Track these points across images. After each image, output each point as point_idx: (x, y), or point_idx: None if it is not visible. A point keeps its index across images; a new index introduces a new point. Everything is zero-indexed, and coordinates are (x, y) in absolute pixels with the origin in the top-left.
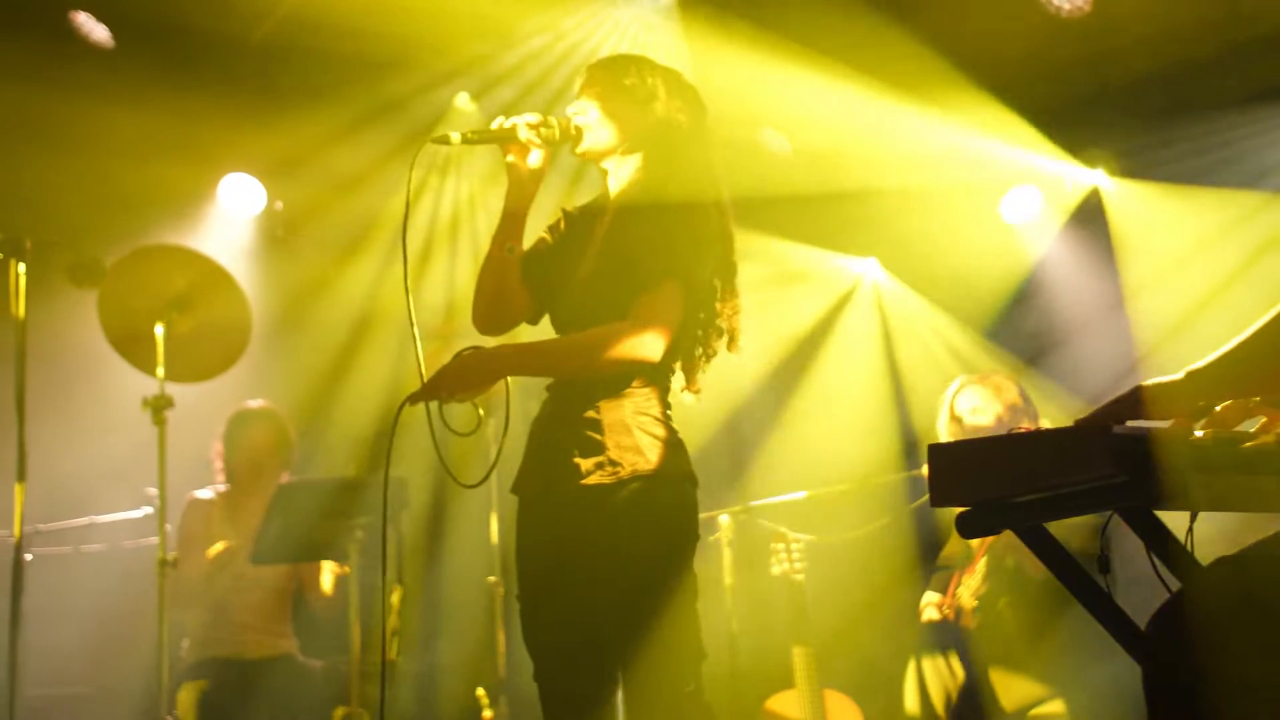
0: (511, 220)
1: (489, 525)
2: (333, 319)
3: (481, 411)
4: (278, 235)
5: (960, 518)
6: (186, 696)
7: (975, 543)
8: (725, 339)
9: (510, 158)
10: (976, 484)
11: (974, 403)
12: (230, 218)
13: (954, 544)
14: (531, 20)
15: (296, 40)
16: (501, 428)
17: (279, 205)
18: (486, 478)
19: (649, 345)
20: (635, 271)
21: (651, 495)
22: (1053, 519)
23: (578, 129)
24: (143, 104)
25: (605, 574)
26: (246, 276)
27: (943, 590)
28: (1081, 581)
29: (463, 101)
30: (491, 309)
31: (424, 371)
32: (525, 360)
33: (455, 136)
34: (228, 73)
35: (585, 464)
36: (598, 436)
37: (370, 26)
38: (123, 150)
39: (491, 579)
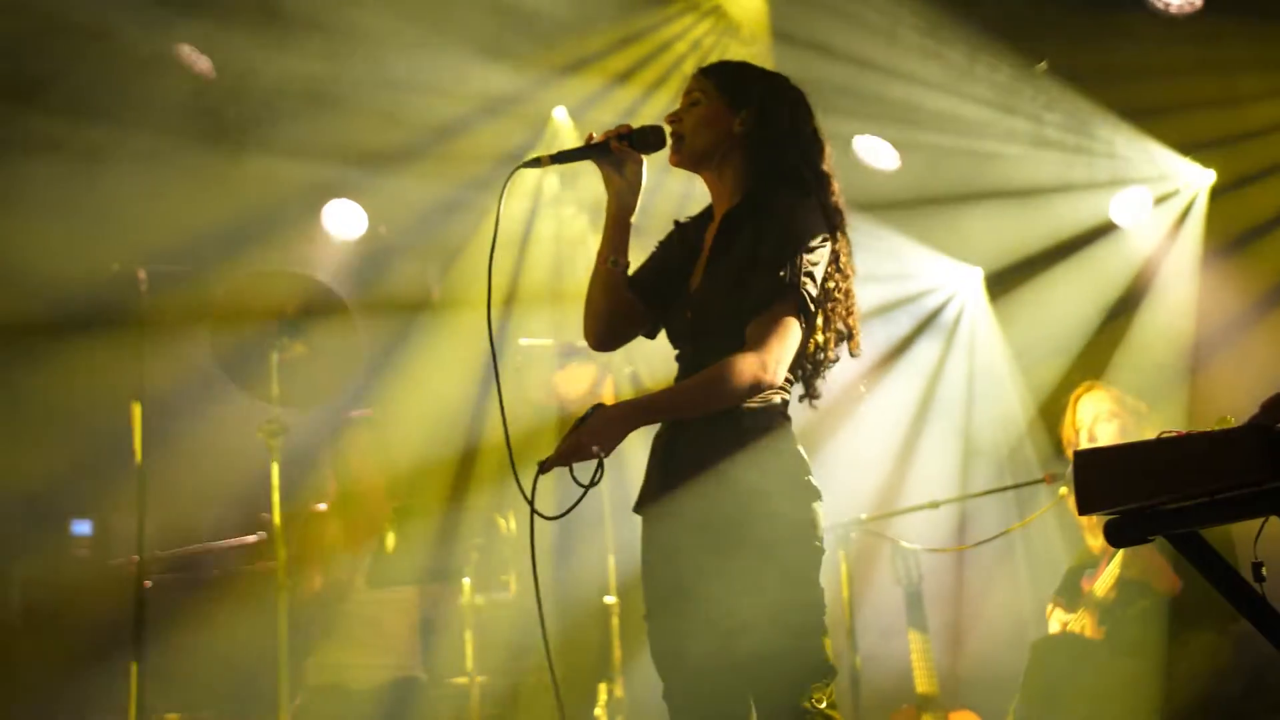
0: (613, 233)
1: (606, 546)
2: (436, 340)
3: (604, 462)
4: (380, 259)
5: (1109, 525)
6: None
7: (1100, 551)
8: (845, 343)
9: (605, 172)
10: (1125, 490)
11: (1097, 409)
12: (334, 242)
13: (1081, 555)
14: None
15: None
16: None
17: (382, 229)
18: (569, 511)
19: (770, 371)
20: (745, 289)
21: (774, 510)
22: (1207, 525)
23: (672, 138)
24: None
25: (732, 591)
26: (352, 300)
27: (1068, 600)
28: (1241, 590)
29: (560, 115)
30: (601, 324)
31: (504, 409)
32: (653, 412)
33: (545, 157)
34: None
35: (706, 481)
36: (717, 454)
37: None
38: (231, 178)
39: (608, 599)
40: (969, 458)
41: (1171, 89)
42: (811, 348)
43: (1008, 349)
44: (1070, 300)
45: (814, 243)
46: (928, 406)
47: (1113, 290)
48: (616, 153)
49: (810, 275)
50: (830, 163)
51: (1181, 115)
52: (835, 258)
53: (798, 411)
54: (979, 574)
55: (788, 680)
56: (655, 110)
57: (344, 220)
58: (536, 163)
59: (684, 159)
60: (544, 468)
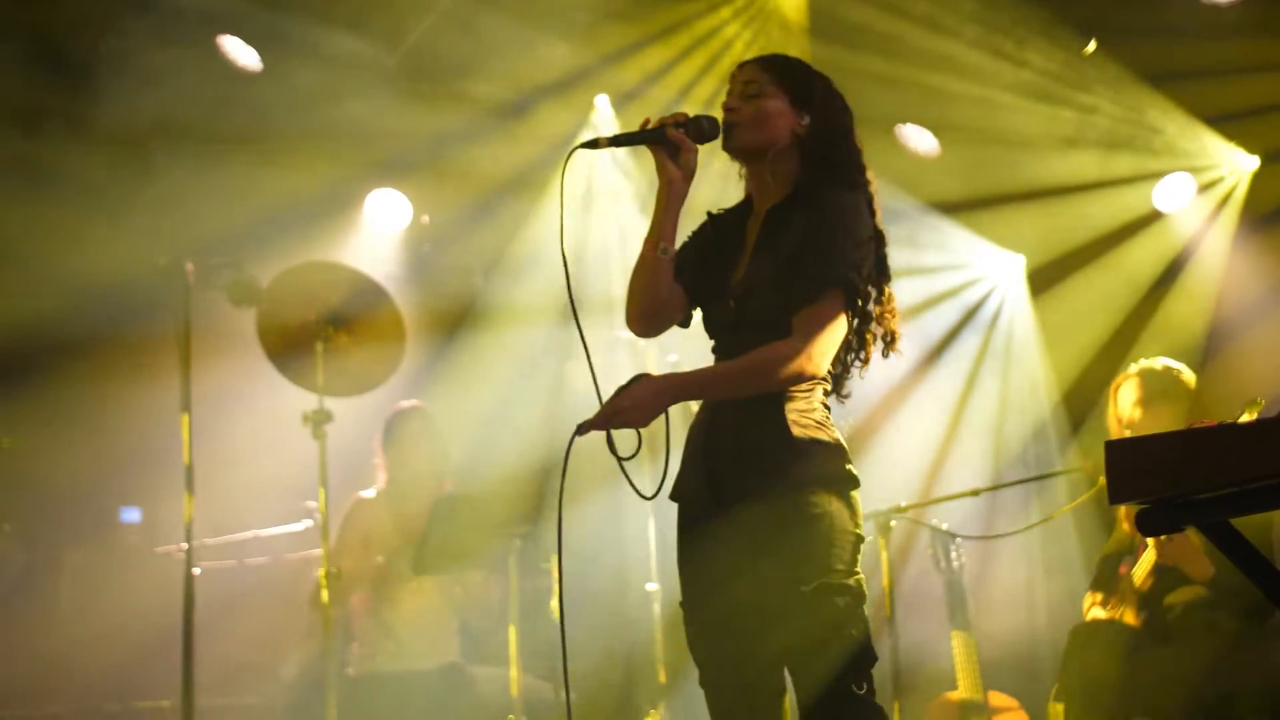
0: (664, 220)
1: (647, 533)
2: (481, 328)
3: (642, 435)
4: (424, 249)
5: (1140, 515)
6: (354, 705)
7: (1137, 539)
8: (882, 343)
9: (659, 158)
10: (1157, 480)
11: (1135, 395)
12: (377, 232)
13: (1116, 542)
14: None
15: (439, 50)
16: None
17: (425, 219)
18: (657, 493)
19: (815, 362)
20: (793, 279)
21: (813, 500)
22: (1238, 514)
23: (727, 128)
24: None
25: (769, 579)
26: (395, 290)
27: (1105, 587)
28: (1273, 579)
29: (602, 103)
30: (647, 310)
31: (598, 382)
32: (694, 387)
33: (603, 139)
34: (369, 88)
35: (745, 469)
36: (757, 442)
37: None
38: (274, 169)
39: (650, 586)
40: (1001, 447)
41: (1219, 75)
42: (849, 345)
43: (1045, 339)
44: (1109, 288)
45: (863, 238)
46: (965, 396)
47: (1151, 278)
48: (673, 140)
49: (858, 270)
50: (865, 157)
51: (1225, 97)
52: (879, 253)
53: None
54: (1013, 561)
55: (827, 667)
56: (699, 99)
57: (388, 210)
58: (594, 144)
59: (738, 149)
60: (581, 430)
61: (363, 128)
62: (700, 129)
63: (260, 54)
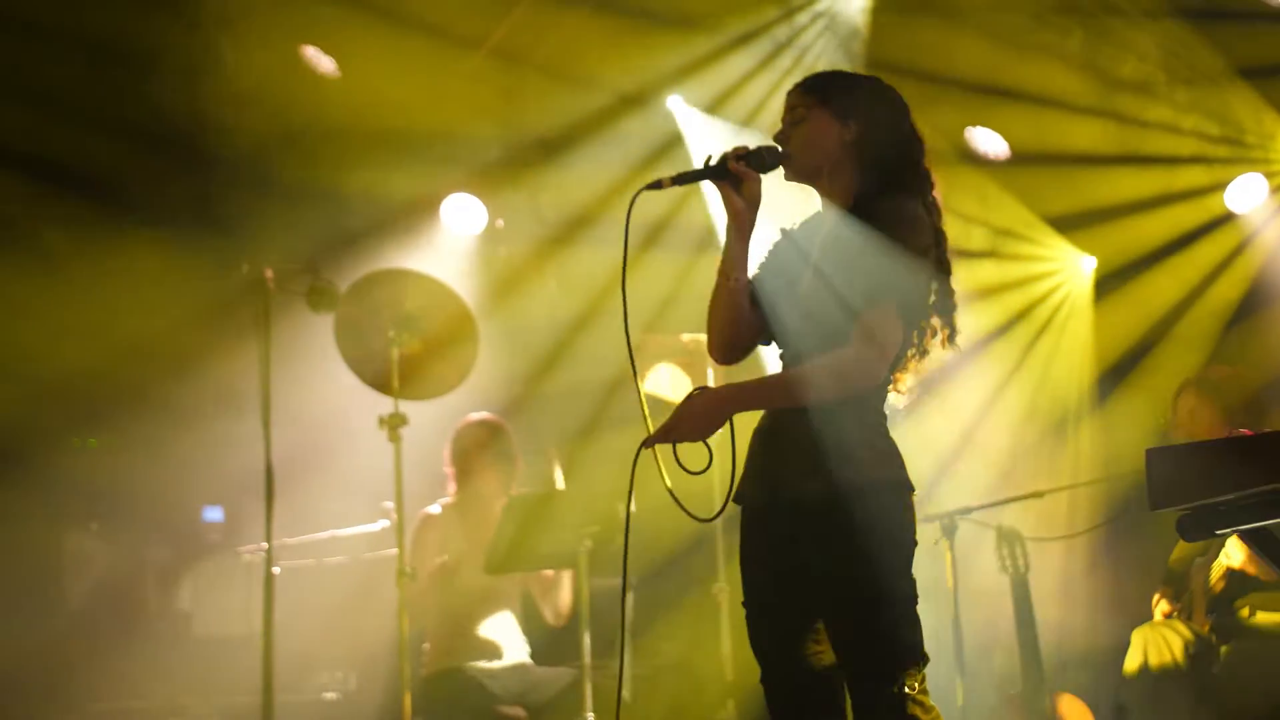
0: (734, 251)
1: (714, 532)
2: (552, 331)
3: (712, 447)
4: (499, 253)
5: (1180, 520)
6: (429, 703)
7: (1211, 542)
8: (941, 339)
9: (724, 191)
10: (1197, 487)
11: (1190, 404)
12: (453, 237)
13: (1184, 545)
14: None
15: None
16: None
17: (500, 223)
18: (720, 513)
19: (872, 370)
20: (851, 288)
21: (868, 504)
22: (1275, 519)
23: (785, 155)
24: (368, 126)
25: (825, 581)
26: (470, 294)
27: (1175, 590)
28: None
29: (674, 102)
30: (726, 339)
31: (646, 413)
32: (754, 398)
33: (666, 179)
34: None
35: (804, 473)
36: (816, 447)
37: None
38: (352, 174)
39: (717, 585)
40: (1058, 447)
41: None
42: (909, 346)
43: (1107, 340)
44: (1178, 290)
45: (922, 245)
46: (1028, 396)
47: (1222, 279)
48: (735, 173)
49: (913, 277)
50: (930, 159)
51: None
52: (939, 258)
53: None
54: (1077, 561)
55: (879, 668)
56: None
57: (463, 215)
58: (658, 185)
59: (796, 175)
60: (646, 444)
61: (440, 132)
62: (761, 160)
63: (337, 60)
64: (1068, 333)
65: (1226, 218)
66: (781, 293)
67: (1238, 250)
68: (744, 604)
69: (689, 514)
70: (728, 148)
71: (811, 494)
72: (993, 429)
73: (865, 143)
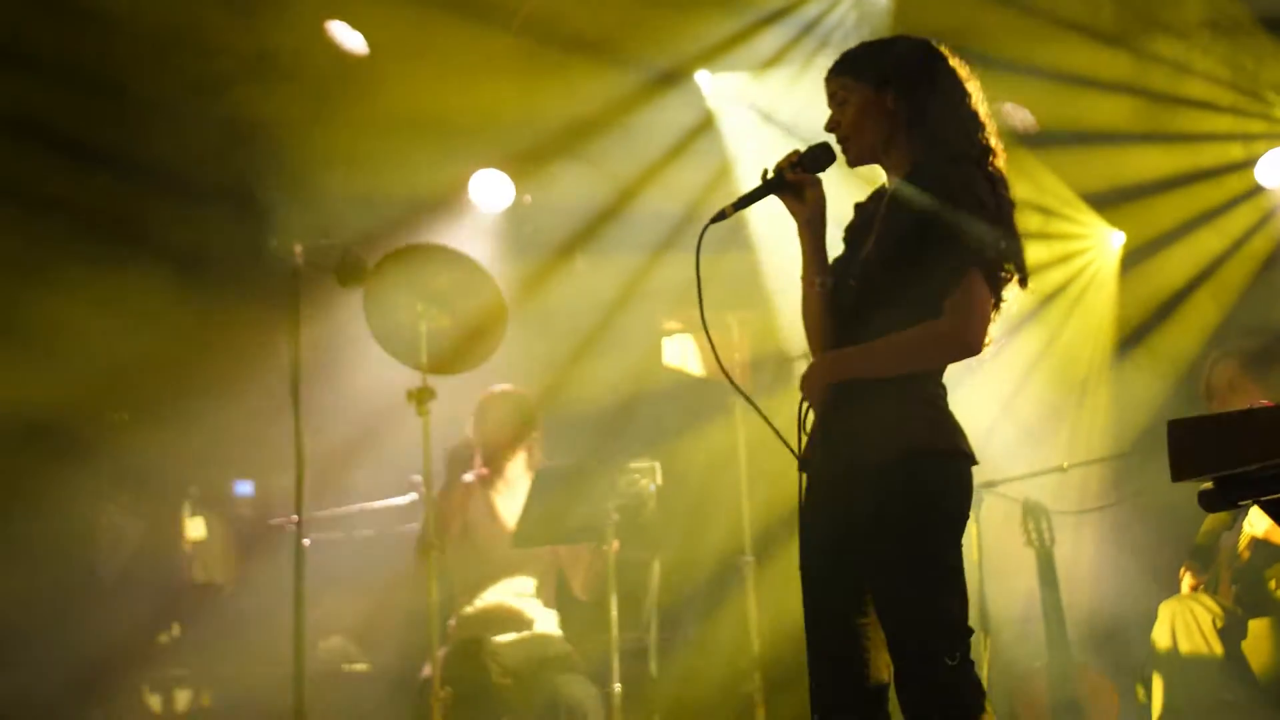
0: (813, 256)
1: (741, 504)
2: (580, 308)
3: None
4: (526, 230)
5: (1203, 492)
6: (456, 674)
7: (1238, 514)
8: (1015, 284)
9: (787, 202)
10: (1219, 458)
11: (1229, 376)
12: (480, 213)
13: (1215, 518)
14: None
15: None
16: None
17: (527, 199)
18: (804, 456)
19: (971, 341)
20: (923, 260)
21: (917, 473)
22: None
23: (839, 144)
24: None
25: (869, 549)
26: (497, 269)
27: (1203, 560)
28: None
29: (703, 79)
30: (827, 342)
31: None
32: (858, 366)
33: (729, 208)
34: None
35: (858, 442)
36: (866, 417)
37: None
38: (381, 150)
39: (743, 558)
40: (1082, 420)
41: None
42: None
43: (1131, 313)
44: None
45: (980, 208)
46: (1053, 369)
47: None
48: (794, 182)
49: (987, 239)
50: (977, 98)
51: None
52: (998, 205)
53: None
54: (1103, 534)
55: (920, 638)
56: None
57: (491, 191)
58: (722, 215)
59: (856, 159)
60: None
61: (469, 109)
62: (816, 159)
63: (366, 34)
64: (1091, 307)
65: (1256, 190)
66: (845, 263)
67: (1262, 222)
68: (801, 567)
69: (791, 450)
70: (779, 157)
71: (860, 463)
72: (1022, 402)
73: (907, 106)
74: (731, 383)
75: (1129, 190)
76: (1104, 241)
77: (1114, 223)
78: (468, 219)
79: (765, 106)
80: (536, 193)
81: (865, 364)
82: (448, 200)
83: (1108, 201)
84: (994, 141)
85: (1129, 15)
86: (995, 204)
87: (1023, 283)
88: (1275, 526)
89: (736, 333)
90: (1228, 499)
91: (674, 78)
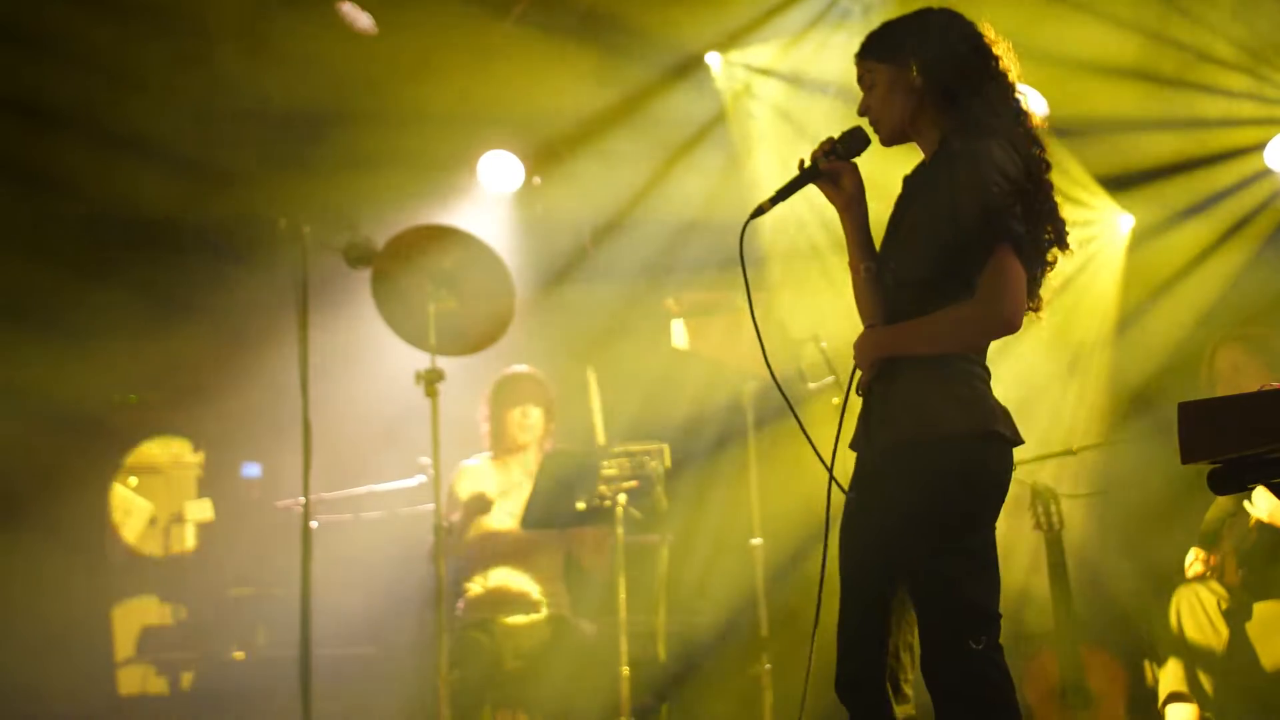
0: (858, 241)
1: (749, 489)
2: (592, 291)
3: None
4: (536, 210)
5: (1211, 474)
6: (464, 656)
7: (1238, 500)
8: (1056, 245)
9: (826, 190)
10: (1229, 440)
11: (1235, 360)
12: (490, 194)
13: (1219, 507)
14: None
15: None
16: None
17: (537, 181)
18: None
19: (1007, 319)
20: (949, 239)
21: (954, 453)
22: None
23: (873, 126)
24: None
25: (897, 530)
26: (506, 251)
27: (1209, 545)
28: None
29: (713, 60)
30: (878, 321)
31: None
32: (899, 341)
33: (766, 202)
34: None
35: (887, 424)
36: (898, 399)
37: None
38: (390, 131)
39: (753, 541)
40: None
41: None
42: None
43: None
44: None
45: (1007, 185)
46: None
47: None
48: (829, 171)
49: (1013, 215)
50: (1005, 63)
51: None
52: (1034, 182)
53: None
54: (1111, 518)
55: (947, 622)
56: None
57: (500, 172)
58: (760, 211)
59: (888, 140)
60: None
61: (477, 89)
62: (850, 145)
63: (376, 16)
64: (1098, 290)
65: (1264, 174)
66: (888, 242)
67: (1264, 205)
68: (839, 544)
69: (820, 458)
70: (814, 146)
71: (892, 445)
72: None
73: (930, 81)
74: (775, 381)
75: (1136, 174)
76: (1113, 224)
77: (1123, 206)
78: (477, 199)
79: (778, 90)
80: (546, 174)
81: (911, 340)
82: (457, 181)
83: (1116, 184)
84: (1023, 105)
85: None
86: (1023, 174)
87: (1063, 247)
88: (1276, 510)
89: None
90: (1238, 482)
91: (687, 62)
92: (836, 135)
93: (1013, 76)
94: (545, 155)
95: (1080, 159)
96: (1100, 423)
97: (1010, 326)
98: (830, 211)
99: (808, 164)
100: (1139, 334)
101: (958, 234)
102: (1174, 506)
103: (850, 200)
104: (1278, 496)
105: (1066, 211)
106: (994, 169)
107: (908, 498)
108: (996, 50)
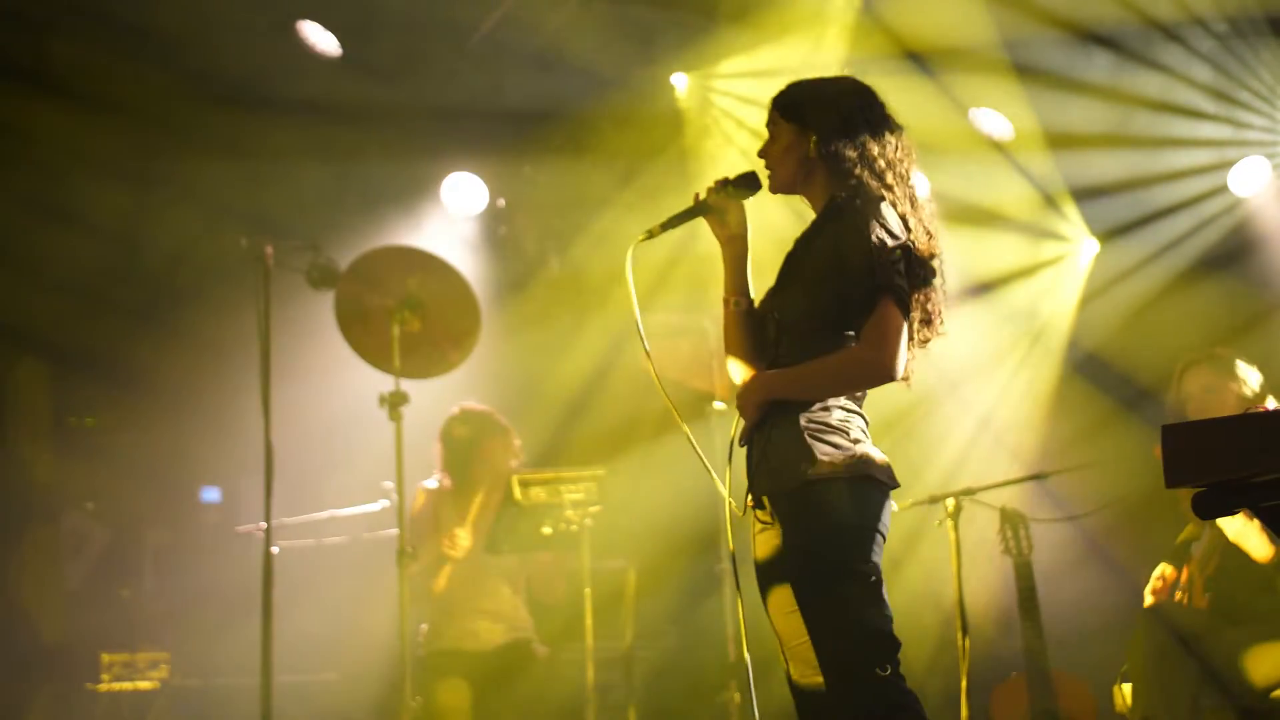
0: (733, 276)
1: (719, 514)
2: (556, 314)
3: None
4: (500, 232)
5: (1196, 498)
6: (428, 682)
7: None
8: (932, 325)
9: (711, 224)
10: (1213, 464)
11: (1205, 381)
12: (453, 216)
13: (1191, 527)
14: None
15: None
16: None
17: (501, 202)
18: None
19: (890, 366)
20: (831, 294)
21: (818, 496)
22: None
23: (766, 170)
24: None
25: (789, 569)
26: (471, 273)
27: (1177, 566)
28: None
29: (678, 81)
30: (748, 360)
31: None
32: (784, 386)
33: (656, 227)
34: (449, 73)
35: (765, 469)
36: (772, 445)
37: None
38: (351, 155)
39: (720, 566)
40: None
41: None
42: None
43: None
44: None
45: (890, 241)
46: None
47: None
48: (716, 206)
49: (896, 269)
50: (897, 149)
51: None
52: (911, 248)
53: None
54: (1081, 543)
55: (845, 652)
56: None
57: (464, 193)
58: (650, 235)
59: (780, 190)
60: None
61: (440, 110)
62: (740, 187)
63: (339, 37)
64: (1062, 313)
65: (1229, 200)
66: (770, 297)
67: (1234, 231)
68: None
69: (730, 504)
70: (709, 182)
71: (770, 489)
72: (998, 410)
73: (823, 149)
74: (668, 402)
75: (1097, 193)
76: (1078, 250)
77: (1087, 229)
78: (441, 221)
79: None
80: (510, 195)
81: (794, 386)
82: (420, 203)
83: (1080, 206)
84: (909, 182)
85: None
86: (906, 238)
87: (930, 326)
88: (1242, 532)
89: (714, 337)
90: (1223, 505)
91: (648, 78)
92: (732, 176)
93: (908, 164)
94: (510, 176)
95: (1046, 180)
96: (1070, 447)
97: (890, 374)
98: (761, 239)
99: (702, 198)
100: (1105, 355)
101: (842, 283)
102: (1144, 530)
103: (732, 237)
104: (1264, 522)
105: (1040, 226)
106: (879, 224)
107: (795, 541)
108: (894, 136)
